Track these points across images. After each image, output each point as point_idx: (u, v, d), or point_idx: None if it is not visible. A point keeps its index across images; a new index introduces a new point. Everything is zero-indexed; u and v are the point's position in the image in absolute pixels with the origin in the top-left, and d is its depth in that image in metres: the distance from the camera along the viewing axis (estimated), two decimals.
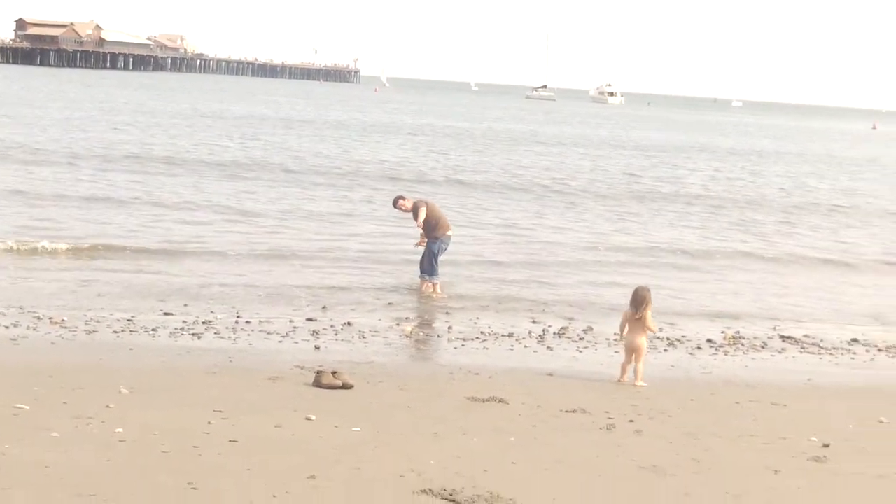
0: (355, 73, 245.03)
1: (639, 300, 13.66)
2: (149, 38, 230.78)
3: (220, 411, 10.87)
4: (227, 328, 15.31)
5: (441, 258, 19.51)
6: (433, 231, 19.37)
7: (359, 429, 10.60)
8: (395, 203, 20.04)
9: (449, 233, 19.60)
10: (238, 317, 16.13)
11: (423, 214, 19.26)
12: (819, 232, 33.93)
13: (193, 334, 14.79)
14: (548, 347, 15.67)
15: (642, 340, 13.66)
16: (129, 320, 15.44)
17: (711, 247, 28.61)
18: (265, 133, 63.37)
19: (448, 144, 64.65)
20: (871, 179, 58.32)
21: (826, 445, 11.01)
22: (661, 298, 18.25)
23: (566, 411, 11.86)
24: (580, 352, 15.54)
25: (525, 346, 15.60)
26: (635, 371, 13.67)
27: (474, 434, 10.68)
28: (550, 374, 13.84)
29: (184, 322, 15.51)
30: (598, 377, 13.89)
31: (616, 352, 15.64)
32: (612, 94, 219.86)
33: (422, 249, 19.51)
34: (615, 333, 14.32)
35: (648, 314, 13.67)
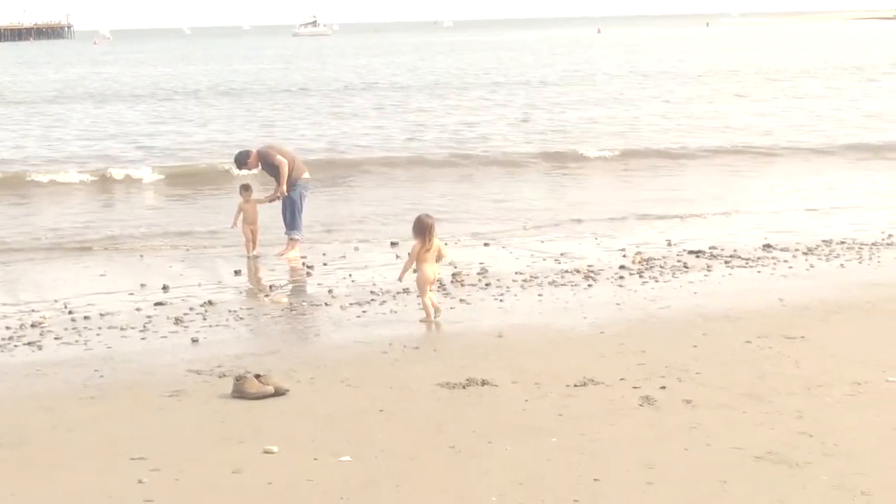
0: (69, 27, 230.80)
1: (426, 228, 11.99)
2: None
3: (143, 459, 7.69)
4: (66, 329, 11.77)
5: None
6: (288, 178, 15.73)
7: (348, 457, 7.66)
8: (245, 162, 15.97)
9: (306, 175, 16.01)
10: (70, 311, 12.59)
11: (284, 167, 15.62)
12: None
13: (30, 343, 11.21)
14: (461, 300, 12.93)
15: (437, 270, 12.27)
16: None
17: None
18: None
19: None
20: None
21: None
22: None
23: (575, 385, 9.23)
24: (500, 301, 12.89)
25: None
26: (433, 302, 12.10)
27: (501, 440, 7.91)
28: (500, 336, 11.15)
29: (7, 328, 11.85)
30: (552, 331, 11.32)
31: (539, 296, 13.12)
32: (314, 24, 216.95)
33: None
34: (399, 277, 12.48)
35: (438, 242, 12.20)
